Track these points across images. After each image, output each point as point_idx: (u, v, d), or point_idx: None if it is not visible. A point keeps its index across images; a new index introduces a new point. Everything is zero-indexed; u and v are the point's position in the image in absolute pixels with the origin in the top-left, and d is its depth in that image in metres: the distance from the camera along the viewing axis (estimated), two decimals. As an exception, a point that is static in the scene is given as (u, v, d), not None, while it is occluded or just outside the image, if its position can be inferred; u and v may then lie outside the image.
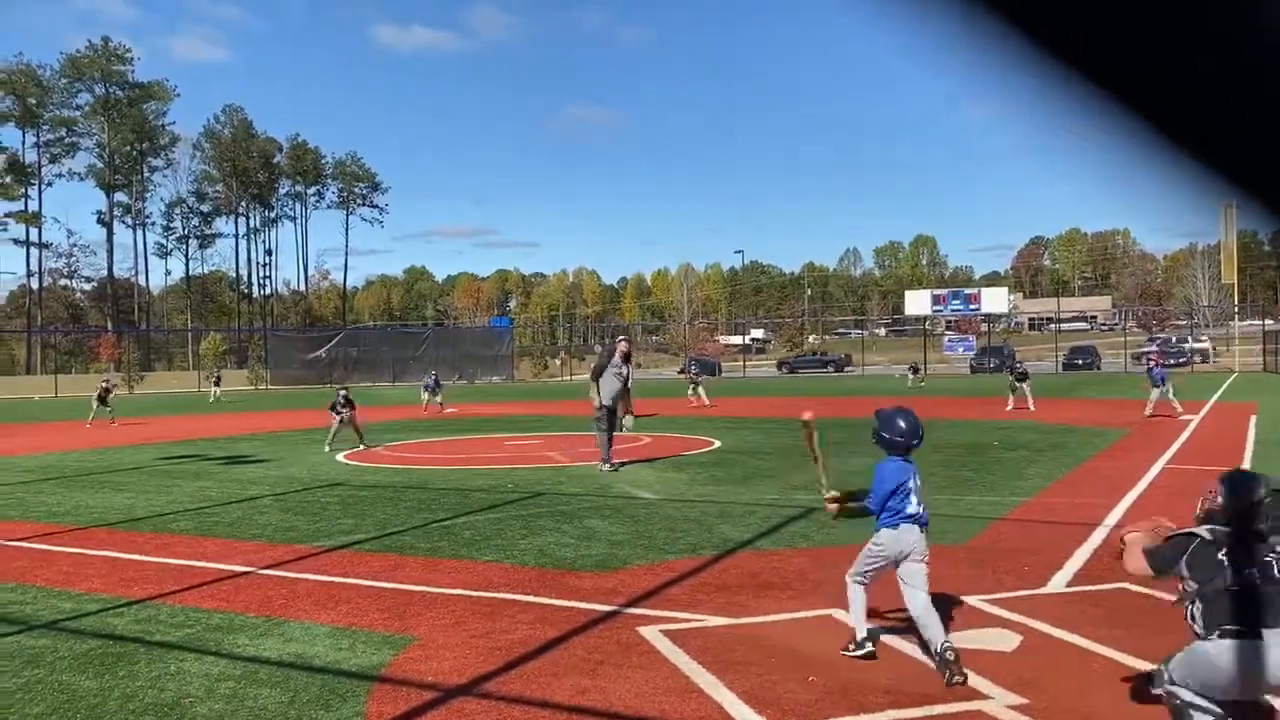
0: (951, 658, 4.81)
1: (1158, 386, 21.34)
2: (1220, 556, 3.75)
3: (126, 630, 6.11)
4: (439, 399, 29.91)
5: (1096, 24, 0.70)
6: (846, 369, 67.57)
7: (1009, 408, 24.51)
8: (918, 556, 5.16)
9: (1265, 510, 3.80)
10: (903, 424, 5.27)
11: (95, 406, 26.96)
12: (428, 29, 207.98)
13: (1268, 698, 3.77)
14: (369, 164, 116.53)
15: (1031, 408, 24.11)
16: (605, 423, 14.10)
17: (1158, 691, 3.98)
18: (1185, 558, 3.84)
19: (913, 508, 5.19)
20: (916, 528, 5.20)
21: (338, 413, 18.52)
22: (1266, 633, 3.58)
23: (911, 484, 5.23)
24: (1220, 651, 3.62)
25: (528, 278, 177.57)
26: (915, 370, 46.24)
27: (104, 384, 28.41)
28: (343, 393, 19.23)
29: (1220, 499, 3.93)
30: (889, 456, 5.30)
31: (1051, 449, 15.73)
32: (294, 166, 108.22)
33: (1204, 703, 3.68)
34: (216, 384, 44.83)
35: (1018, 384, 25.13)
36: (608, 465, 13.86)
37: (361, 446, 18.13)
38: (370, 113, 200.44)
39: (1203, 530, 3.90)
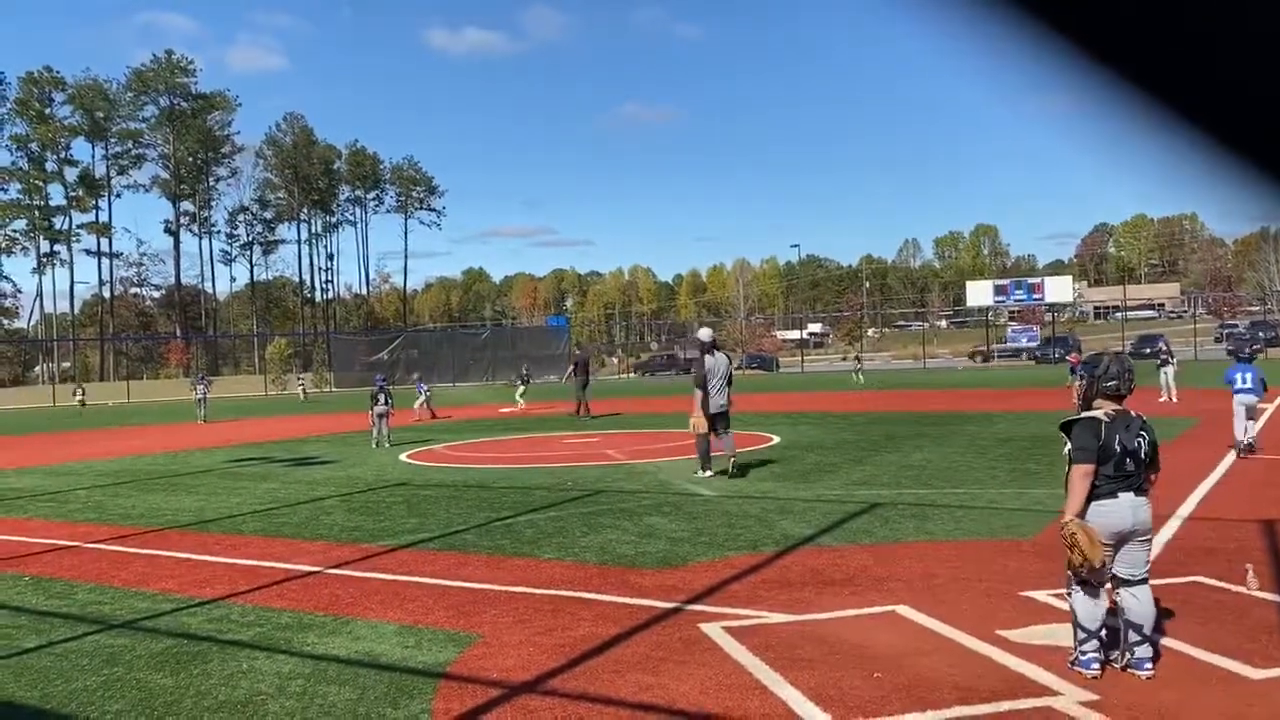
0: None
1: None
2: (1116, 437, 4.91)
3: (200, 629, 6.26)
4: (419, 403, 28.25)
5: (1152, 28, 0.69)
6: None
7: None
8: None
9: (1109, 372, 5.06)
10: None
11: (201, 408, 31.61)
12: (480, 30, 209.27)
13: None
14: (426, 168, 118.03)
15: (1168, 399, 22.53)
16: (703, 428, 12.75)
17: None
18: (1101, 440, 4.91)
19: None
20: None
21: (386, 404, 19.04)
22: (1122, 495, 4.89)
23: None
24: (1093, 513, 4.93)
25: (583, 277, 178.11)
26: (858, 363, 47.21)
27: (203, 387, 32.82)
28: (381, 381, 19.88)
29: (1084, 380, 5.21)
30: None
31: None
32: (353, 172, 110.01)
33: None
34: (302, 387, 50.22)
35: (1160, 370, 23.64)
36: (705, 473, 12.64)
37: (387, 445, 18.70)
38: (426, 116, 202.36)
39: (1099, 413, 5.01)
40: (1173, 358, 24.54)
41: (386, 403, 19.14)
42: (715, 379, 12.68)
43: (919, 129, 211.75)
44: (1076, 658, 4.89)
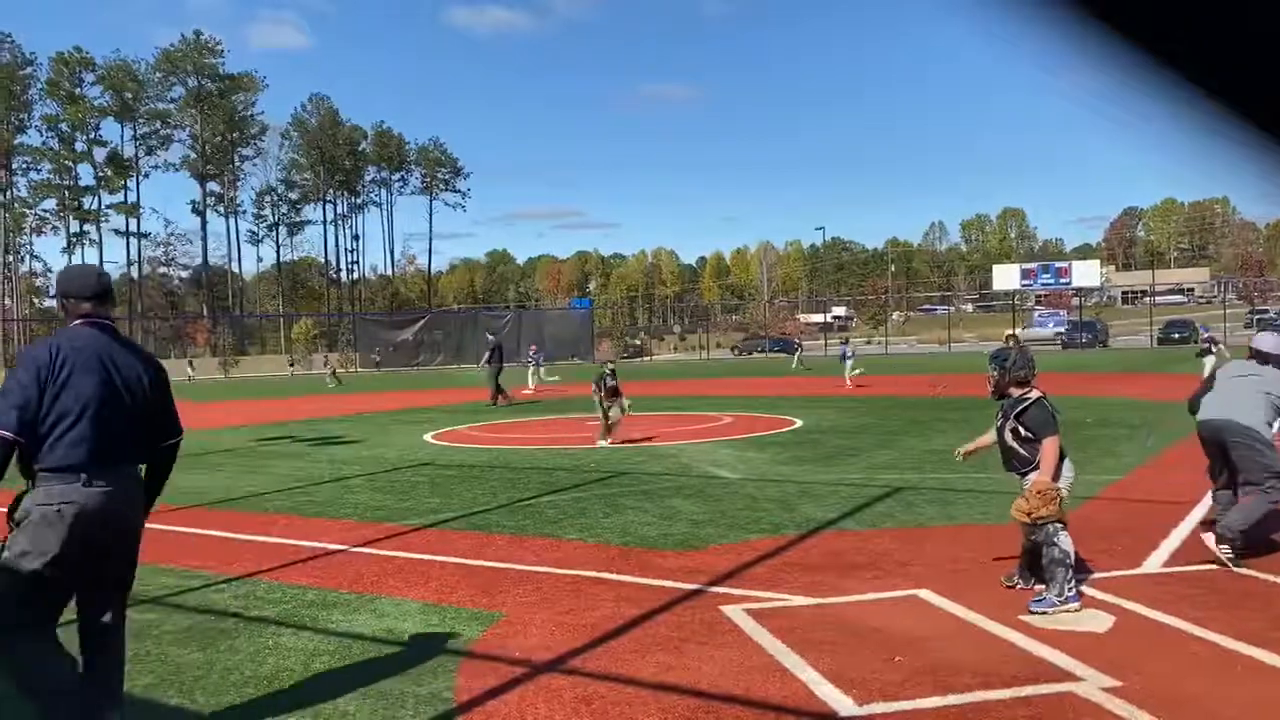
0: None
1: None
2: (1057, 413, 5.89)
3: (227, 606, 6.34)
4: None
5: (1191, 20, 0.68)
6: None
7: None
8: None
9: (1018, 363, 6.00)
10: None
11: (331, 382, 37.62)
12: (502, 9, 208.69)
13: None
14: (451, 149, 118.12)
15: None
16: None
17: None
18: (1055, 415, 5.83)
19: None
20: None
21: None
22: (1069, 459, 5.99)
23: None
24: (1069, 472, 6.01)
25: (607, 259, 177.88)
26: (795, 350, 47.22)
27: (333, 366, 39.38)
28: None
29: (994, 374, 6.07)
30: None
31: (1146, 426, 15.27)
32: (379, 153, 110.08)
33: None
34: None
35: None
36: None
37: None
38: (450, 97, 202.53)
39: (1038, 393, 5.92)
40: (1216, 346, 23.60)
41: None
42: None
43: (947, 111, 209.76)
44: (1067, 596, 5.54)
